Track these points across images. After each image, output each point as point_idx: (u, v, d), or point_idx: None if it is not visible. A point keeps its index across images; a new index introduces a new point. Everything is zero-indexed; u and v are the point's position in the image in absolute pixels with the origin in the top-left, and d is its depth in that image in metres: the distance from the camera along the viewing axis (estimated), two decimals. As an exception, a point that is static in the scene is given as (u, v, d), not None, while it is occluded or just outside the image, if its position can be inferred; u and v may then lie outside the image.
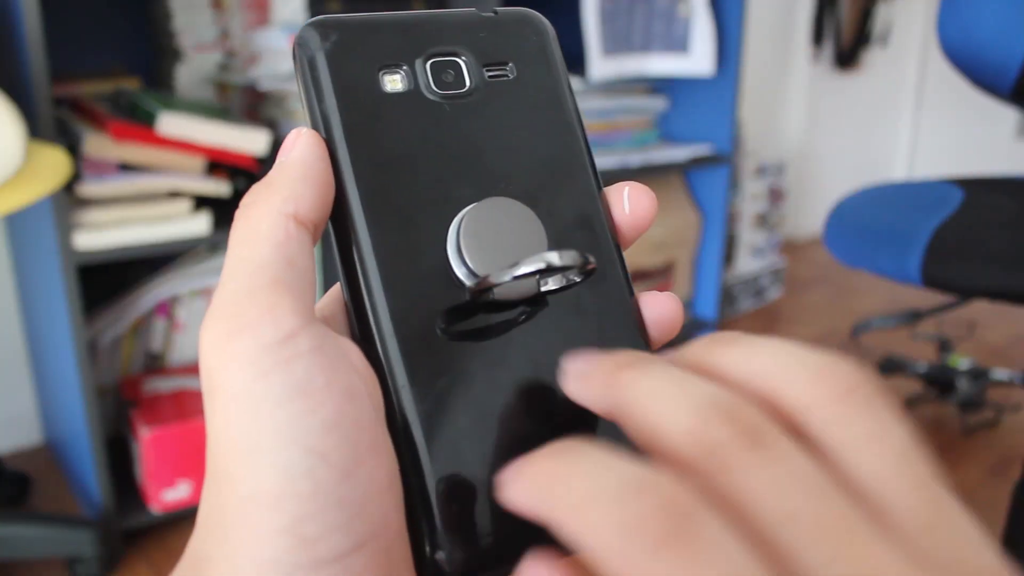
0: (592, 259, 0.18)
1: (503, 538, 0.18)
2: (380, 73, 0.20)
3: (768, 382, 0.16)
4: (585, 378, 0.17)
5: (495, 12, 0.22)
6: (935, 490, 0.15)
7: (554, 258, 0.17)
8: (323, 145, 0.19)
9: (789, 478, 0.14)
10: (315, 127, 0.20)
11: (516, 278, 0.18)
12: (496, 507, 0.17)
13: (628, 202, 0.22)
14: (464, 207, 0.19)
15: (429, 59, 0.21)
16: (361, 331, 0.19)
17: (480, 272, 0.19)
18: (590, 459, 0.14)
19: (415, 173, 0.20)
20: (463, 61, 0.21)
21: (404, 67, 0.20)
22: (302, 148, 0.19)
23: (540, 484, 0.14)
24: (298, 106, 1.26)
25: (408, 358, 0.18)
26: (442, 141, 0.20)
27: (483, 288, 0.18)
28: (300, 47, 0.20)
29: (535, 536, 0.16)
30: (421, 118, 0.20)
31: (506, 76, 0.21)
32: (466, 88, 0.21)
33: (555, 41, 0.23)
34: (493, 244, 0.19)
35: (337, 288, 0.22)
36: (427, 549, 0.18)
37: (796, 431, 0.16)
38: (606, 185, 0.22)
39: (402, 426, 0.18)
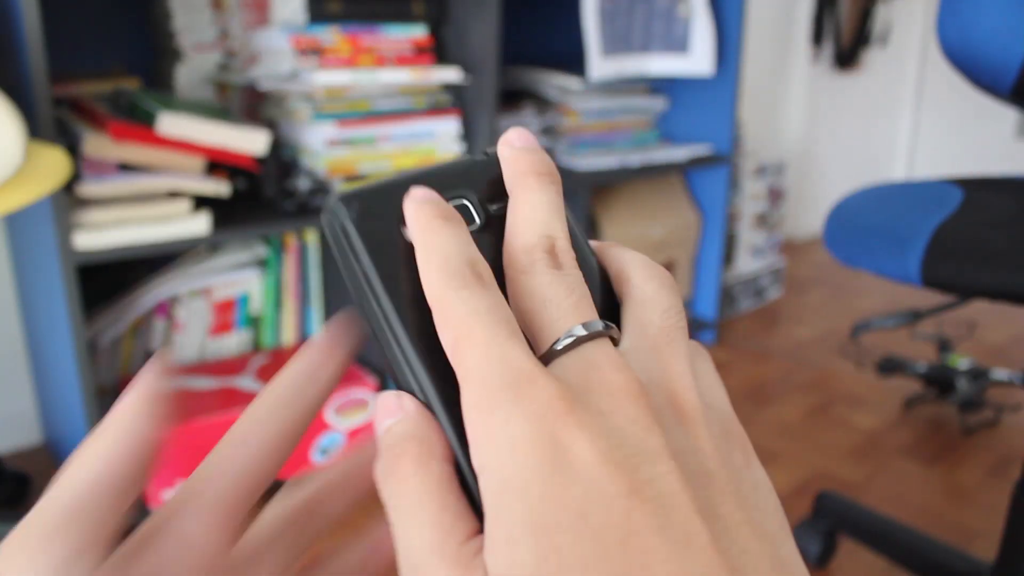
0: (612, 326, 0.22)
1: None
2: (401, 226, 0.23)
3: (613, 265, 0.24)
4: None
5: (486, 154, 0.25)
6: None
7: (580, 330, 0.21)
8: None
9: (560, 286, 0.21)
10: (354, 281, 0.23)
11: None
12: None
13: None
14: None
15: None
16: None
17: None
18: (452, 232, 0.22)
19: None
20: (468, 202, 0.24)
21: None
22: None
23: (421, 227, 0.22)
24: (297, 105, 1.26)
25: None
26: None
27: None
28: (329, 218, 0.23)
29: None
30: None
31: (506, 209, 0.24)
32: (476, 224, 0.24)
33: None
34: None
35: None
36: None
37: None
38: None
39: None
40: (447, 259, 0.21)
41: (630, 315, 0.23)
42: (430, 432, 0.20)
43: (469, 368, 0.19)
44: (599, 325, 0.21)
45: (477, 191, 0.24)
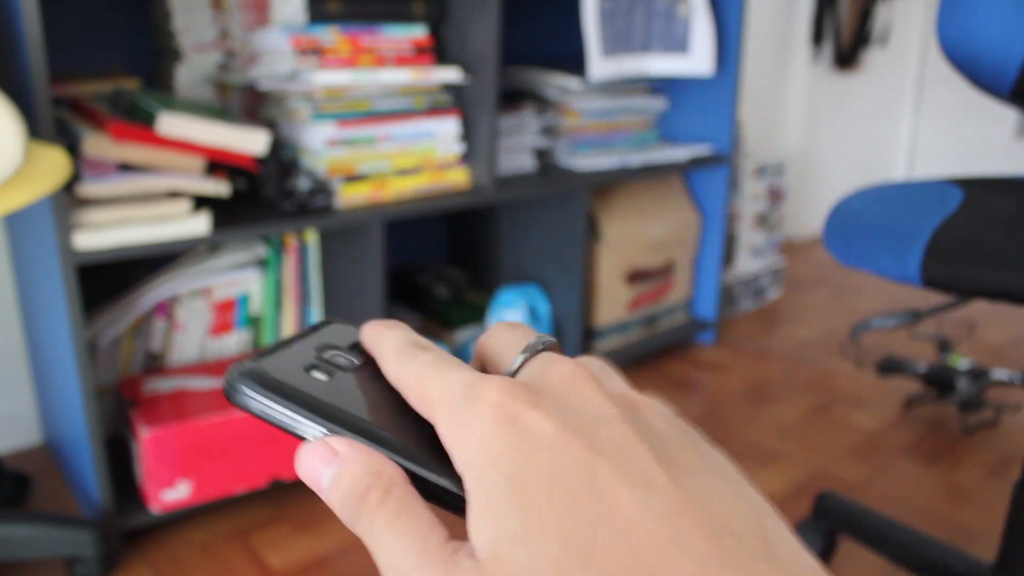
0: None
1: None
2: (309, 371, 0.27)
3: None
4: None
5: (319, 324, 0.30)
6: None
7: (523, 355, 0.25)
8: None
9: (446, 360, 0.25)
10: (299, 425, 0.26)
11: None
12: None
13: None
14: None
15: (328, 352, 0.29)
16: None
17: None
18: (396, 331, 0.26)
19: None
20: (341, 351, 0.28)
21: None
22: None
23: (375, 334, 0.27)
24: (297, 105, 1.26)
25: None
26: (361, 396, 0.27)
27: None
28: (234, 390, 0.26)
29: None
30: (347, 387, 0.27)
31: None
32: (355, 364, 0.28)
33: None
34: None
35: None
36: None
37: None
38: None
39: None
40: (398, 344, 0.25)
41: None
42: (382, 462, 0.22)
43: (434, 402, 0.23)
44: (539, 344, 0.24)
45: (341, 346, 0.29)
